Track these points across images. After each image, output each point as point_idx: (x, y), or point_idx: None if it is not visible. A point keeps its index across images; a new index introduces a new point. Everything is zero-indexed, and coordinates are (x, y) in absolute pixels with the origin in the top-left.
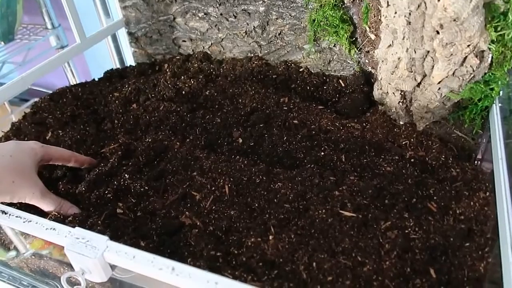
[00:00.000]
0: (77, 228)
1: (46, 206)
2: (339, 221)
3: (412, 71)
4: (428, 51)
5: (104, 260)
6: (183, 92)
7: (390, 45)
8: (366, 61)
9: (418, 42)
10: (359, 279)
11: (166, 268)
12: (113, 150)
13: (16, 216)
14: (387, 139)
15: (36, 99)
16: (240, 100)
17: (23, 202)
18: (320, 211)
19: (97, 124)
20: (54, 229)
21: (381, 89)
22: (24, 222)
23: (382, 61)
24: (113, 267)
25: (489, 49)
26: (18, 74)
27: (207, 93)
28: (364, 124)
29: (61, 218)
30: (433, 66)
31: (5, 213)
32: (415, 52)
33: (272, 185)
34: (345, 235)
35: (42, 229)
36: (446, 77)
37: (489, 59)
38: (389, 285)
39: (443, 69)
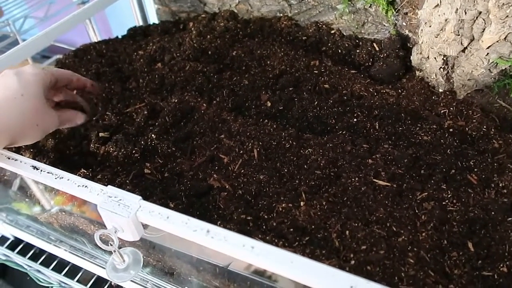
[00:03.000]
0: (109, 186)
1: (63, 125)
2: (373, 190)
3: (459, 34)
4: (480, 12)
5: (137, 220)
6: (209, 52)
7: (437, 5)
8: (404, 24)
9: (470, 2)
10: (393, 249)
11: (200, 230)
12: (139, 109)
13: (48, 172)
14: (424, 107)
15: (59, 56)
16: (268, 62)
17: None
18: (352, 179)
19: (122, 83)
20: (86, 186)
21: (421, 53)
22: (56, 178)
23: (425, 23)
24: (145, 226)
25: None
26: (39, 30)
27: (233, 53)
28: (399, 90)
29: (90, 176)
30: (483, 29)
31: (37, 169)
32: (466, 13)
33: (302, 151)
34: (379, 205)
35: (74, 186)
36: (497, 41)
37: None
38: (425, 256)
39: (495, 33)
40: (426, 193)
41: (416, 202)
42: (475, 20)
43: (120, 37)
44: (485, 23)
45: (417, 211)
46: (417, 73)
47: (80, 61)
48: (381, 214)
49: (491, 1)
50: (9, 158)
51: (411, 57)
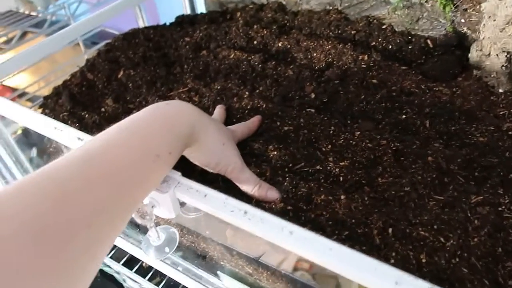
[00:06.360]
0: None
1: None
2: None
3: None
4: None
5: (174, 196)
6: (255, 42)
7: None
8: (462, 20)
9: None
10: (440, 252)
11: (238, 211)
12: (182, 93)
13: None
14: (481, 107)
15: (108, 41)
16: (314, 55)
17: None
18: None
19: (167, 67)
20: None
21: (481, 50)
22: None
23: (490, 16)
24: (182, 204)
25: None
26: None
27: (279, 44)
28: (454, 89)
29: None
30: None
31: (81, 140)
32: None
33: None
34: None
35: None
36: None
37: None
38: (475, 263)
39: None
40: (481, 197)
41: (470, 206)
42: None
43: (168, 24)
44: None
45: (469, 214)
46: (475, 71)
47: (128, 44)
48: (426, 217)
49: None
50: (55, 128)
51: (469, 55)
